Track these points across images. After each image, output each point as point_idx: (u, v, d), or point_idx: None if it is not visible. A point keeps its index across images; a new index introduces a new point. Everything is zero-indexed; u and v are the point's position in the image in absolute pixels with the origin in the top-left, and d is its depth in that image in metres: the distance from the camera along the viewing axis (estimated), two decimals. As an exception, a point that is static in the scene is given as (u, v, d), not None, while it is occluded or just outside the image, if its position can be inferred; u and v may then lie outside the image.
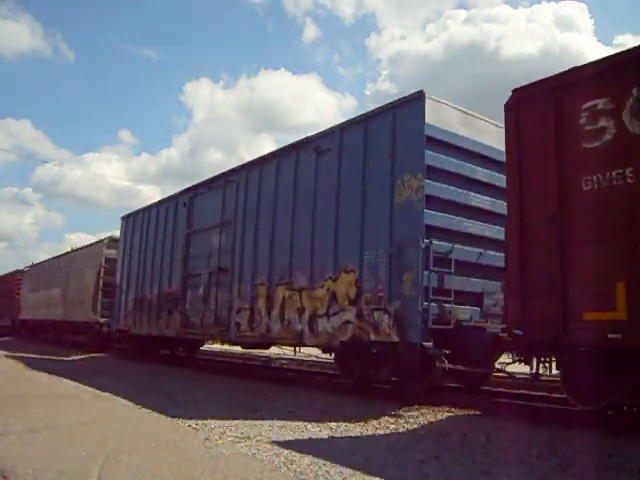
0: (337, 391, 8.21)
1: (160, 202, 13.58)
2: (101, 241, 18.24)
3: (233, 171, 10.77)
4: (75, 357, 15.81)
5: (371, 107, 9.24)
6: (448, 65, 73.60)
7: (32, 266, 28.20)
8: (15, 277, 29.35)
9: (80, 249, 21.24)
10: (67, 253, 22.90)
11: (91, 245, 19.79)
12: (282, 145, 10.18)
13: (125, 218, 15.62)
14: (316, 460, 4.27)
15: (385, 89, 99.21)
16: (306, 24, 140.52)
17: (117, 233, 22.15)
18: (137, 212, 14.86)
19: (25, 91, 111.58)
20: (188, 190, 12.30)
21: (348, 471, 3.98)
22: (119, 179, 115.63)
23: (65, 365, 12.95)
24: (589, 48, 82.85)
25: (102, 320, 16.67)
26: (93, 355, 16.21)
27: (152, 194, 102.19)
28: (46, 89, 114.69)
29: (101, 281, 17.16)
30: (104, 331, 16.79)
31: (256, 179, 9.88)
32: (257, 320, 9.31)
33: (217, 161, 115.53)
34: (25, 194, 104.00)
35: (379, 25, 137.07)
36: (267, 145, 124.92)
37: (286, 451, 4.55)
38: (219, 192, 10.93)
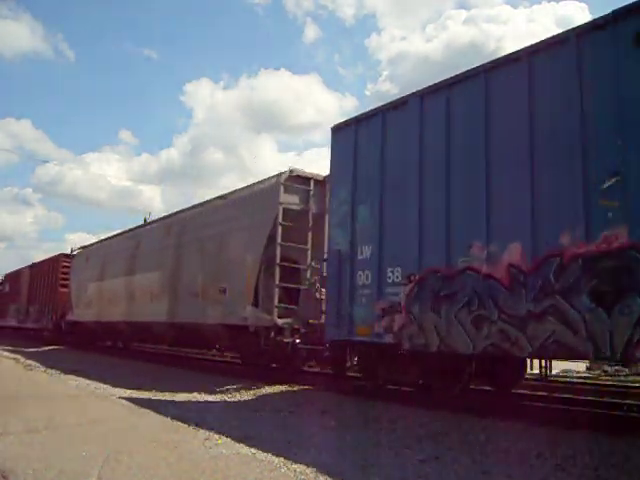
0: (337, 391, 8.12)
1: (492, 65, 6.24)
2: (274, 179, 10.13)
3: None
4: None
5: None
6: (448, 65, 73.46)
7: (89, 246, 19.67)
8: (59, 263, 20.50)
9: (211, 201, 12.71)
10: (177, 213, 14.18)
11: (246, 189, 11.38)
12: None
13: (350, 126, 8.07)
14: (316, 460, 4.26)
15: (385, 89, 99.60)
16: (307, 24, 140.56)
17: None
18: (385, 109, 7.56)
19: (25, 91, 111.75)
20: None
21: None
22: (119, 179, 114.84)
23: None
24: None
25: (281, 322, 9.41)
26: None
27: (152, 194, 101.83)
28: (46, 89, 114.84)
29: (278, 250, 9.55)
30: (285, 342, 9.31)
31: None
32: None
33: (218, 161, 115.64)
34: (25, 194, 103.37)
35: (379, 25, 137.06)
36: (267, 145, 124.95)
37: (286, 451, 4.52)
38: None
